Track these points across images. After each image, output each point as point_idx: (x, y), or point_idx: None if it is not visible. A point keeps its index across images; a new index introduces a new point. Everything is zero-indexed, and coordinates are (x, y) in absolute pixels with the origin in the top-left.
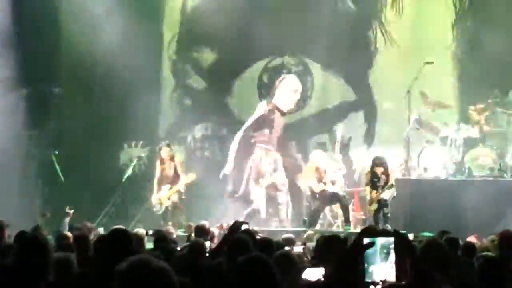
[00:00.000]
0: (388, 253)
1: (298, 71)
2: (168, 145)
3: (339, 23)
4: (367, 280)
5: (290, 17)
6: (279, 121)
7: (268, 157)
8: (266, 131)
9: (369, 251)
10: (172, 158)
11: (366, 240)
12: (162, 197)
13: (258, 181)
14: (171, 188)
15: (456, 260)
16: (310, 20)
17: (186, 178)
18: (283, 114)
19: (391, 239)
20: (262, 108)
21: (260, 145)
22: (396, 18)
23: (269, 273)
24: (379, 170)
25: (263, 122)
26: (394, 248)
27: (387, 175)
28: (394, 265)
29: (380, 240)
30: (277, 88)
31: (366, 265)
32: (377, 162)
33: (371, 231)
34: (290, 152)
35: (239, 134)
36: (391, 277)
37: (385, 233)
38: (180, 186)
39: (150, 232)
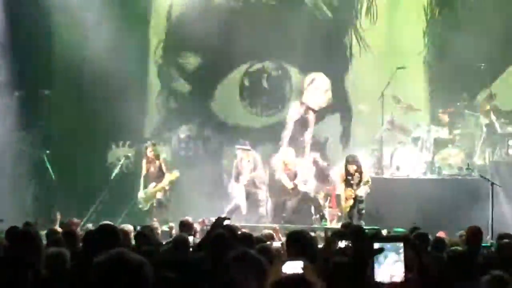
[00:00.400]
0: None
1: (277, 75)
2: (154, 145)
3: (316, 29)
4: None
5: (270, 24)
6: (312, 120)
7: (248, 157)
8: (304, 129)
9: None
10: (157, 157)
11: (376, 245)
12: (147, 195)
13: (238, 179)
14: (156, 185)
15: (426, 254)
16: (288, 27)
17: (171, 176)
18: (315, 112)
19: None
20: (295, 109)
21: (240, 147)
22: (370, 26)
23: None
24: (352, 167)
25: (299, 122)
26: (403, 251)
27: (361, 173)
28: (402, 266)
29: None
30: (307, 88)
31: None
32: (350, 160)
33: (381, 236)
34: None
35: (286, 138)
36: (398, 277)
37: (394, 239)
38: (165, 183)
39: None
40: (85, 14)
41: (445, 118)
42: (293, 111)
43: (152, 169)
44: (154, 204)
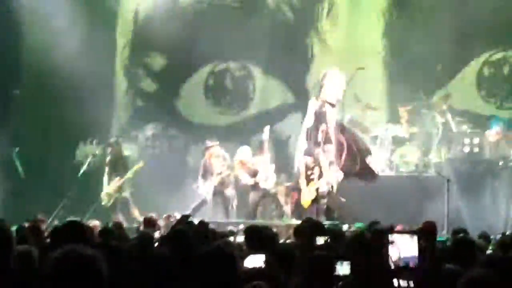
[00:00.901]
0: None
1: (241, 75)
2: (117, 141)
3: (279, 31)
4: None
5: (234, 25)
6: (330, 115)
7: (218, 156)
8: (324, 125)
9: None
10: (121, 153)
11: (391, 238)
12: (110, 191)
13: (206, 176)
14: (119, 179)
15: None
16: (252, 28)
17: (135, 167)
18: (333, 106)
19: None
20: (313, 105)
21: (209, 144)
22: (331, 27)
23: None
24: (309, 160)
25: (319, 117)
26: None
27: (320, 167)
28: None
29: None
30: (323, 84)
31: None
32: (307, 152)
33: (398, 230)
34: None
35: (303, 134)
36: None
37: (409, 232)
38: (128, 175)
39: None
40: (53, 15)
41: (403, 116)
42: (311, 108)
43: (116, 165)
44: (119, 200)
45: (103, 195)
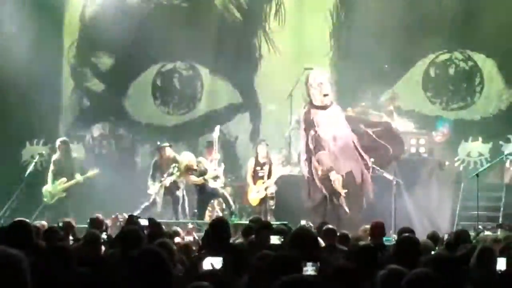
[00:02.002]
0: None
1: (188, 75)
2: (65, 141)
3: (227, 31)
4: None
5: (181, 25)
6: (318, 118)
7: (169, 157)
8: (312, 132)
9: None
10: (68, 153)
11: None
12: (55, 190)
13: (156, 177)
14: (66, 181)
15: (333, 248)
16: (199, 28)
17: (89, 173)
18: (322, 108)
19: None
20: (301, 112)
21: (163, 145)
22: (279, 28)
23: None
24: (262, 150)
25: (308, 123)
26: None
27: (270, 164)
28: None
29: None
30: (307, 88)
31: None
32: (261, 141)
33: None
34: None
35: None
36: None
37: None
38: (79, 179)
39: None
40: None
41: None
42: (301, 115)
43: (62, 164)
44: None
45: (45, 192)
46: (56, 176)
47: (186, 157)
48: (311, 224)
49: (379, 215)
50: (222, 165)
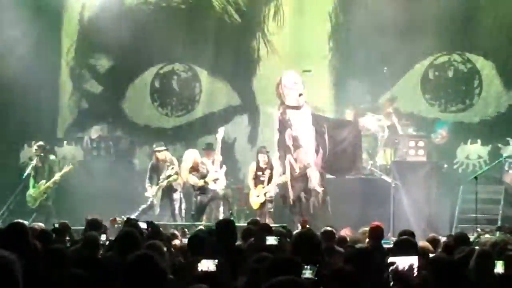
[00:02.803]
0: None
1: (187, 77)
2: (40, 145)
3: (225, 33)
4: None
5: (180, 27)
6: (295, 118)
7: (165, 159)
8: (289, 130)
9: None
10: (45, 156)
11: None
12: (36, 194)
13: (153, 179)
14: (46, 183)
15: (332, 250)
16: (198, 30)
17: (64, 170)
18: (296, 108)
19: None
20: (276, 114)
21: (157, 148)
22: (277, 30)
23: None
24: (263, 157)
25: (284, 125)
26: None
27: (271, 169)
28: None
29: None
30: (280, 89)
31: None
32: (262, 150)
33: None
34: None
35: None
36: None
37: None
38: (56, 178)
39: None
40: None
41: (349, 119)
42: (276, 117)
43: (41, 168)
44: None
45: (27, 197)
46: (36, 180)
47: (192, 156)
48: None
49: (377, 218)
50: (224, 167)
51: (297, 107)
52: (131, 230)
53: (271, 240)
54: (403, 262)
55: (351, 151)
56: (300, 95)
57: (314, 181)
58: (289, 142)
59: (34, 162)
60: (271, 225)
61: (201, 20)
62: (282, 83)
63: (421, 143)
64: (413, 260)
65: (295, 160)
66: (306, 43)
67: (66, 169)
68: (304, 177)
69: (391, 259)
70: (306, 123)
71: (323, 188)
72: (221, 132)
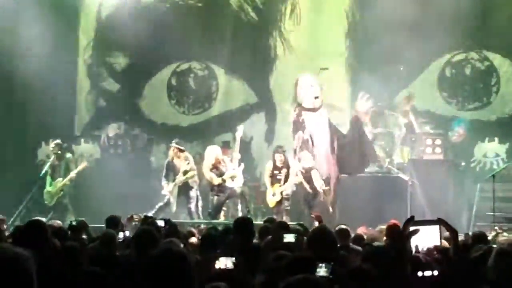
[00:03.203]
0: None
1: (203, 75)
2: (57, 144)
3: (242, 31)
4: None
5: (197, 25)
6: (309, 120)
7: (182, 157)
8: (300, 133)
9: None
10: (62, 154)
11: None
12: (53, 190)
13: (169, 177)
14: (62, 180)
15: (347, 248)
16: (215, 28)
17: (79, 167)
18: (312, 111)
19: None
20: (291, 114)
21: (173, 145)
22: (294, 28)
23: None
24: (280, 157)
25: (297, 126)
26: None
27: (288, 168)
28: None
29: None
30: (297, 91)
31: None
32: (278, 150)
33: (416, 221)
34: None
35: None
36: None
37: (430, 222)
38: (72, 175)
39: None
40: (15, 13)
41: (367, 117)
42: (291, 117)
43: (57, 166)
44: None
45: (45, 194)
46: (53, 178)
47: (213, 153)
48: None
49: (394, 216)
50: (242, 165)
51: (313, 109)
52: (149, 228)
53: (289, 238)
54: (425, 231)
55: (358, 147)
56: (316, 97)
57: (317, 183)
58: (297, 144)
59: (51, 160)
60: (289, 223)
61: (218, 18)
62: (299, 85)
63: (438, 141)
64: (435, 229)
65: (299, 160)
66: (323, 41)
67: (81, 166)
68: (308, 178)
69: (413, 228)
70: (321, 125)
71: (328, 187)
72: (240, 130)
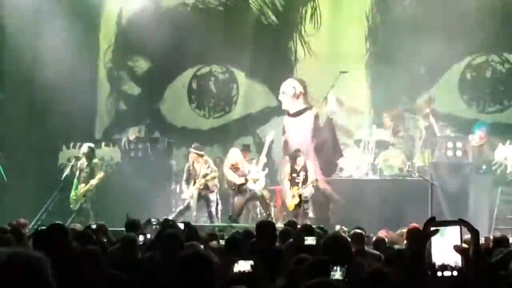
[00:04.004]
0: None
1: (224, 79)
2: (90, 147)
3: (262, 34)
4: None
5: (217, 29)
6: (290, 124)
7: (201, 161)
8: (283, 137)
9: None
10: (90, 159)
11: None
12: (77, 195)
13: (190, 181)
14: (85, 186)
15: (362, 252)
16: (235, 31)
17: (96, 178)
18: (295, 115)
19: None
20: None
21: (192, 150)
22: (314, 31)
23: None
24: (299, 161)
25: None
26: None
27: (306, 171)
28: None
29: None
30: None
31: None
32: (295, 154)
33: (437, 221)
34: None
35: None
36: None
37: (450, 222)
38: (92, 184)
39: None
40: (36, 18)
41: (387, 120)
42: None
43: (84, 170)
44: (86, 205)
45: (70, 198)
46: (79, 182)
47: (236, 154)
48: (345, 229)
49: (414, 219)
50: (267, 169)
51: (296, 113)
52: (175, 231)
53: (310, 241)
54: (445, 231)
55: (331, 145)
56: (298, 97)
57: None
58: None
59: (79, 162)
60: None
61: (238, 21)
62: (282, 88)
63: (459, 144)
64: (456, 230)
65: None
66: (343, 44)
67: (98, 176)
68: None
69: (433, 228)
70: (303, 129)
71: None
72: (270, 135)
